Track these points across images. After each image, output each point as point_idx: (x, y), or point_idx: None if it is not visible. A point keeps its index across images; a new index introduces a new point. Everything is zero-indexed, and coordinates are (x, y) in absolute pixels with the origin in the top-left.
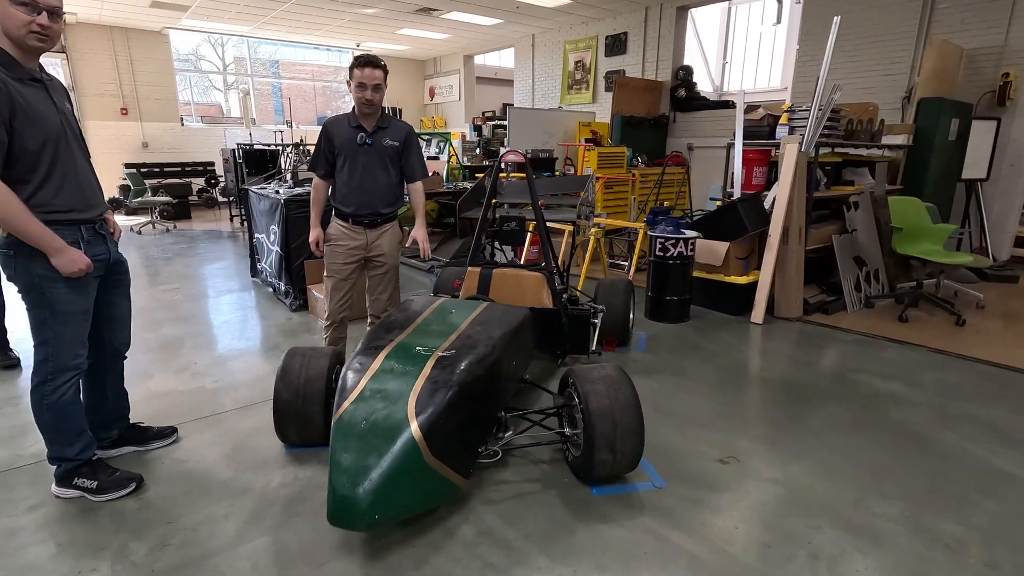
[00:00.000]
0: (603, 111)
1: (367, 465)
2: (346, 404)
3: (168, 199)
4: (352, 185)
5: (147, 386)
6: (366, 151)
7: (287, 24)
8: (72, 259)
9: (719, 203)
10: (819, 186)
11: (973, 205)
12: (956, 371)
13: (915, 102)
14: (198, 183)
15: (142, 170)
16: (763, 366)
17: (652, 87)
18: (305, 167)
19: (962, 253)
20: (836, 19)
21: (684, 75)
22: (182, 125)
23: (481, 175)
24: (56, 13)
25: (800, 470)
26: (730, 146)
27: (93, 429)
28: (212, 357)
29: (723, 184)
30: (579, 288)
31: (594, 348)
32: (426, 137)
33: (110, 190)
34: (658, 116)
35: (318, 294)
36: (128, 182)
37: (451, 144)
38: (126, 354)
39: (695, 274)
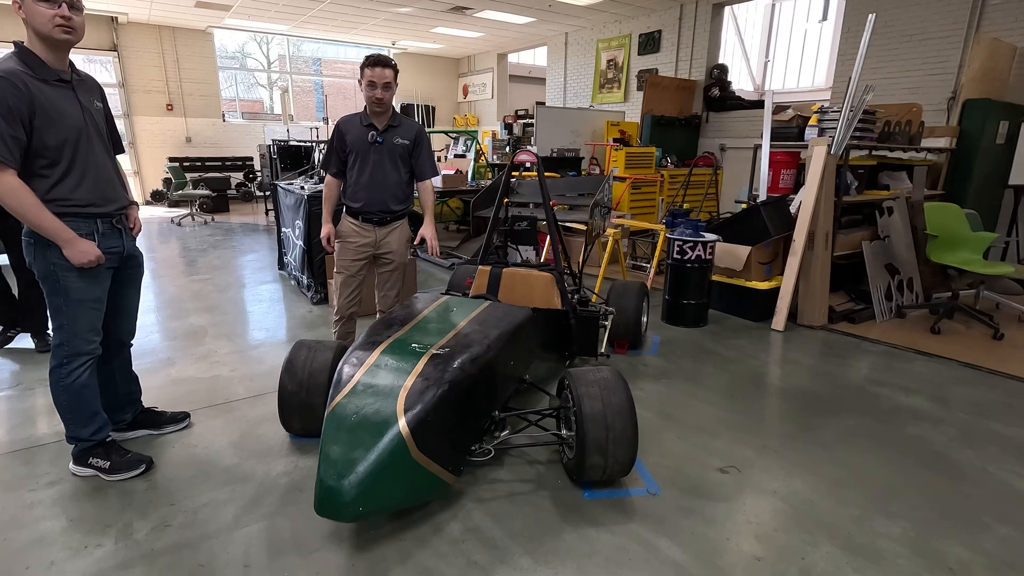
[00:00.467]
0: (634, 110)
1: (354, 458)
2: (339, 397)
3: (207, 192)
4: (363, 183)
5: (168, 372)
6: (377, 149)
7: (324, 23)
8: (83, 250)
9: (744, 206)
10: (849, 190)
11: (1021, 212)
12: (987, 387)
13: (960, 103)
14: (237, 177)
15: (185, 164)
16: (779, 375)
17: (684, 86)
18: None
19: (1004, 264)
20: (870, 16)
21: (718, 74)
22: (223, 121)
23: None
24: (75, 6)
25: (803, 483)
26: (757, 147)
27: (107, 413)
28: (232, 346)
29: (749, 186)
30: (596, 289)
31: (603, 350)
32: (454, 135)
33: (155, 183)
34: (690, 116)
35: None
36: (170, 175)
37: (478, 142)
38: (131, 342)
39: (715, 278)
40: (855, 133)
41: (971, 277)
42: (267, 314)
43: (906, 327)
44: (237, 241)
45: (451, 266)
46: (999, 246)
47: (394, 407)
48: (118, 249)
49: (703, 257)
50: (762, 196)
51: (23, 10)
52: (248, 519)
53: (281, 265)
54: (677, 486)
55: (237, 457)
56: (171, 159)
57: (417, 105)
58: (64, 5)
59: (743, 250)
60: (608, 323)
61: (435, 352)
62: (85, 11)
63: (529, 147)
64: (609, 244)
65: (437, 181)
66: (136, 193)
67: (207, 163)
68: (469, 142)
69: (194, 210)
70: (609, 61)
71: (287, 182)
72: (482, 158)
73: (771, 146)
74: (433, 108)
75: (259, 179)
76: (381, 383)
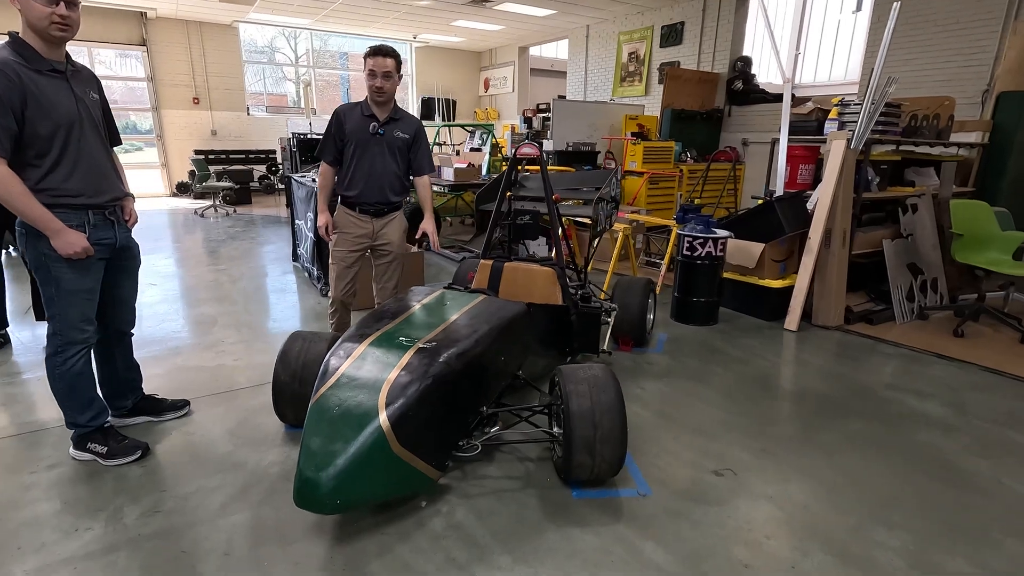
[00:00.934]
0: (655, 104)
1: (334, 450)
2: (323, 389)
3: (230, 184)
4: (363, 173)
5: (175, 360)
6: (378, 141)
7: (346, 17)
8: (70, 241)
9: (761, 202)
10: (870, 186)
11: None
12: (1009, 394)
13: (995, 96)
14: (260, 170)
15: (209, 156)
16: (786, 376)
17: (706, 79)
18: None
19: None
20: (895, 5)
21: (742, 66)
22: (248, 114)
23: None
24: (73, 3)
25: (799, 489)
26: (774, 142)
27: (108, 399)
28: (239, 336)
29: (765, 182)
30: (605, 286)
31: (605, 348)
32: (470, 128)
33: (181, 175)
34: (712, 110)
35: None
36: (194, 168)
37: (494, 135)
38: (132, 332)
39: (726, 276)
40: (877, 127)
41: (1000, 278)
42: (277, 305)
43: (927, 329)
44: (256, 232)
45: (463, 260)
46: None
47: (376, 400)
48: (110, 240)
49: (714, 254)
50: (779, 192)
51: (19, 2)
52: (235, 507)
53: (295, 257)
54: (669, 488)
55: (231, 445)
56: (197, 152)
57: (438, 99)
58: (62, 3)
59: (756, 247)
60: (611, 320)
61: (422, 346)
62: (115, 6)
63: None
64: (619, 239)
65: (449, 174)
66: (163, 185)
67: (231, 156)
68: (485, 136)
69: (217, 202)
70: (631, 54)
71: (301, 174)
72: (499, 152)
73: (789, 140)
74: (454, 102)
75: (280, 172)
76: (365, 376)
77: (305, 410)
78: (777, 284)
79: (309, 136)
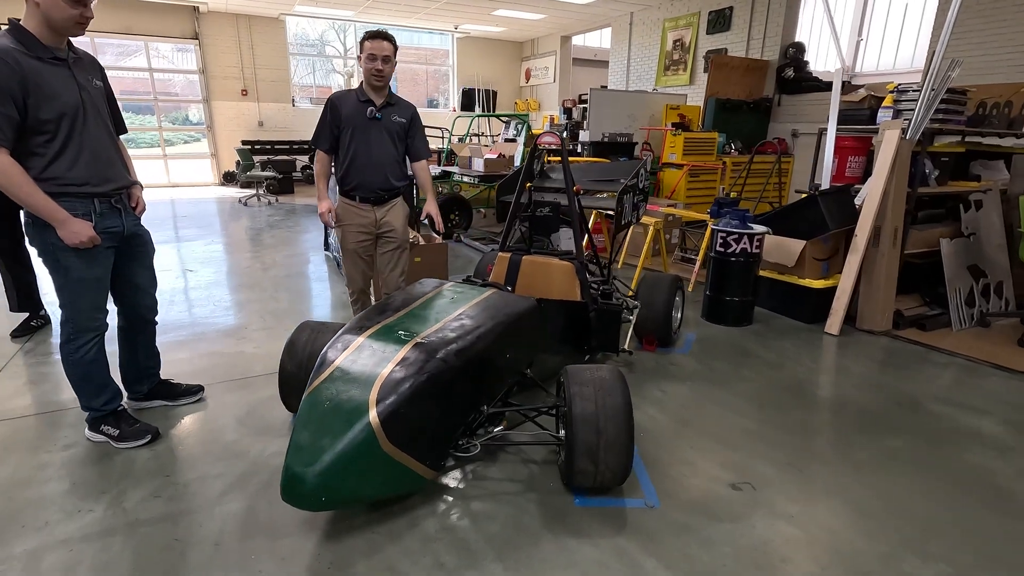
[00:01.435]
0: (700, 94)
1: (321, 446)
2: (317, 382)
3: (274, 174)
4: (363, 159)
5: (198, 346)
6: (377, 126)
7: (388, 8)
8: (75, 231)
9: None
10: (927, 180)
11: None
12: None
13: None
14: (303, 160)
15: (256, 147)
16: (822, 384)
17: (755, 67)
18: None
19: None
20: None
21: (794, 53)
22: (293, 105)
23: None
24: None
25: (825, 509)
26: (821, 132)
27: (126, 382)
28: (262, 323)
29: (811, 175)
30: (634, 282)
31: (626, 347)
32: (505, 119)
33: (229, 165)
34: (760, 99)
35: None
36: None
37: (529, 126)
38: (155, 319)
39: (764, 274)
40: (938, 116)
41: None
42: (304, 293)
43: (988, 337)
44: (294, 221)
45: (492, 251)
46: None
47: (367, 396)
48: (117, 229)
49: (749, 251)
50: (825, 186)
51: (43, 2)
52: (232, 496)
53: (326, 246)
54: (679, 500)
55: (237, 433)
56: (244, 142)
57: (478, 89)
58: (89, 7)
59: (796, 244)
60: (633, 318)
61: (420, 341)
62: (170, 2)
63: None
64: (650, 234)
65: (479, 165)
66: (212, 174)
67: (276, 146)
68: (520, 126)
69: (260, 191)
70: (675, 41)
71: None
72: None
73: (838, 131)
74: (494, 92)
75: None
76: (359, 370)
77: None
78: (818, 284)
79: None
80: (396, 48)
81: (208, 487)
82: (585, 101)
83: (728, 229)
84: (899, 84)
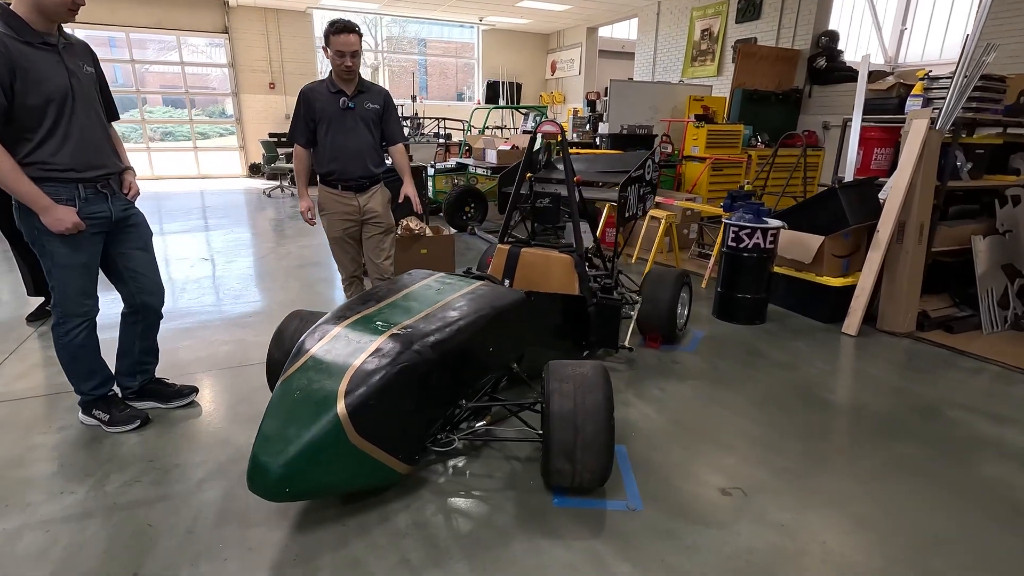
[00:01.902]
0: (727, 85)
1: (287, 436)
2: (290, 371)
3: None
4: (340, 149)
5: (202, 334)
6: (352, 115)
7: (413, 1)
8: (59, 218)
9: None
10: (959, 173)
11: None
12: None
13: None
14: None
15: (282, 139)
16: (834, 386)
17: (785, 57)
18: (416, 140)
19: None
20: None
21: (827, 42)
22: None
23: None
24: None
25: (819, 518)
26: (845, 122)
27: (119, 374)
28: (266, 312)
29: (834, 168)
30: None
31: (626, 343)
32: (524, 111)
33: (256, 157)
34: (789, 90)
35: None
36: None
37: (547, 118)
38: (161, 312)
39: (780, 271)
40: (972, 104)
41: None
42: (314, 283)
43: (1022, 342)
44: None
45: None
46: None
47: (336, 387)
48: (104, 214)
49: (762, 246)
50: (848, 179)
51: None
52: (210, 484)
53: None
54: (664, 503)
55: (226, 421)
56: (271, 135)
57: (502, 82)
58: None
59: (814, 240)
60: (634, 313)
61: (396, 332)
62: None
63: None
64: (662, 228)
65: (492, 156)
66: (240, 166)
67: None
68: (539, 118)
69: (284, 183)
70: (703, 31)
71: None
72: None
73: (865, 121)
74: (519, 85)
75: None
76: (331, 360)
77: None
78: (837, 282)
79: None
80: (362, 37)
81: (189, 474)
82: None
83: (740, 223)
84: (930, 71)
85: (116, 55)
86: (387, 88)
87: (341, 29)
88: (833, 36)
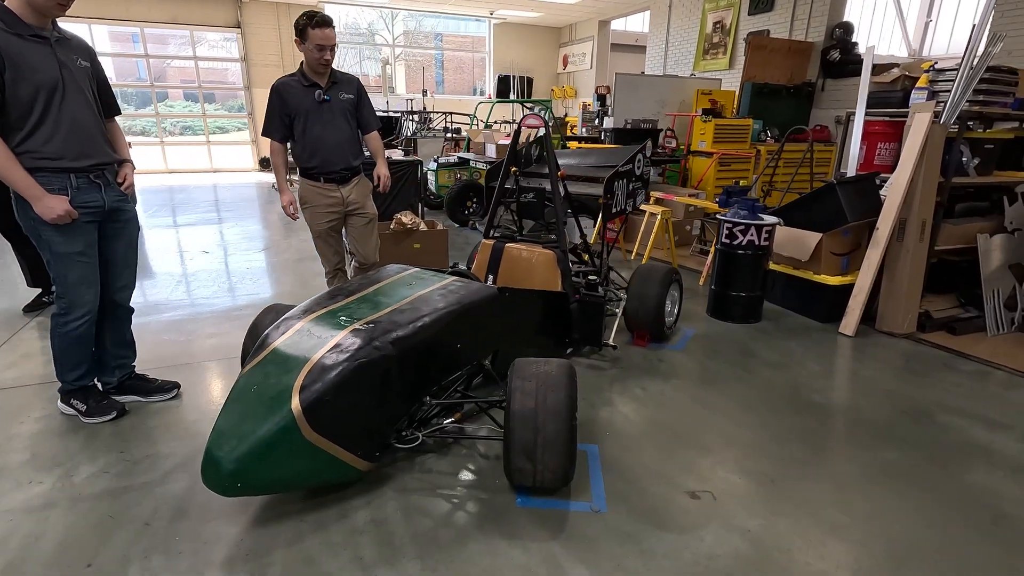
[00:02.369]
0: (737, 78)
1: (241, 431)
2: (250, 365)
3: None
4: (320, 143)
5: (187, 327)
6: (329, 107)
7: None
8: (50, 206)
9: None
10: (965, 169)
11: None
12: None
13: None
14: None
15: None
16: (824, 388)
17: (797, 49)
18: (423, 135)
19: None
20: None
21: (841, 34)
22: None
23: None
24: None
25: (790, 525)
26: (848, 116)
27: (96, 370)
28: (258, 306)
29: (836, 163)
30: None
31: (610, 341)
32: (528, 105)
33: (266, 151)
34: (801, 83)
35: None
36: None
37: (552, 112)
38: (129, 304)
39: (777, 269)
40: (979, 98)
41: None
42: (308, 277)
43: None
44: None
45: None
46: None
47: (292, 382)
48: (97, 203)
49: (756, 243)
50: (851, 174)
51: None
52: (176, 476)
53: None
54: (629, 506)
55: (200, 414)
56: None
57: (513, 76)
58: None
59: (811, 237)
60: (619, 311)
61: (358, 327)
62: None
63: (531, 113)
64: (657, 223)
65: (491, 151)
66: (252, 161)
67: None
68: (543, 112)
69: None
70: (716, 24)
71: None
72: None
73: (869, 114)
74: (530, 79)
75: None
76: (291, 354)
77: None
78: (834, 281)
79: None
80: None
81: (157, 465)
82: None
83: (734, 220)
84: (936, 63)
85: (138, 50)
86: (388, 84)
87: (321, 23)
88: (848, 28)
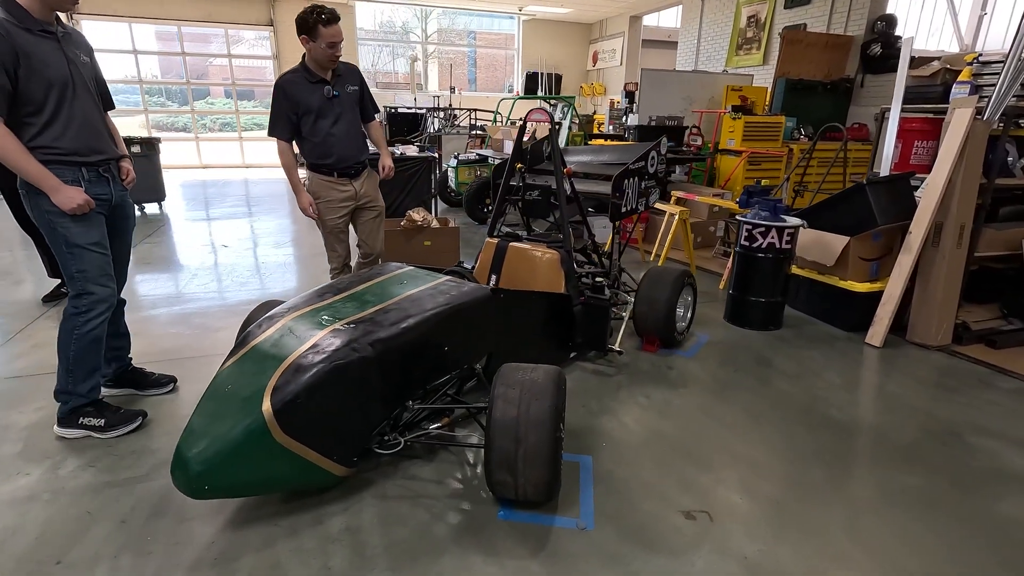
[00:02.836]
0: (771, 74)
1: (211, 432)
2: (227, 364)
3: None
4: (334, 138)
5: (194, 320)
6: (339, 102)
7: None
8: (69, 196)
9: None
10: (1010, 169)
11: None
12: None
13: None
14: None
15: None
16: (844, 403)
17: (835, 44)
18: (447, 132)
19: None
20: None
21: (883, 27)
22: None
23: (605, 142)
24: None
25: (793, 553)
26: (883, 112)
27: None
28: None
29: (870, 163)
30: None
31: (616, 346)
32: (552, 102)
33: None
34: (839, 79)
35: None
36: None
37: (575, 110)
38: (123, 298)
39: (801, 273)
40: None
41: None
42: (320, 272)
43: None
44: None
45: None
46: None
47: (265, 382)
48: (106, 196)
49: (777, 246)
50: (884, 174)
51: None
52: (159, 473)
53: None
54: (619, 524)
55: (191, 407)
56: None
57: (542, 73)
58: None
59: (838, 241)
60: (625, 315)
61: (338, 327)
62: None
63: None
64: (674, 224)
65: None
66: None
67: None
68: (567, 109)
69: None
70: (750, 18)
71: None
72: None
73: (906, 110)
74: (559, 76)
75: None
76: (267, 354)
77: None
78: (862, 288)
79: (400, 109)
80: None
81: (142, 461)
82: None
83: (754, 221)
84: (980, 55)
85: (176, 48)
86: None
87: (332, 19)
88: (890, 21)
